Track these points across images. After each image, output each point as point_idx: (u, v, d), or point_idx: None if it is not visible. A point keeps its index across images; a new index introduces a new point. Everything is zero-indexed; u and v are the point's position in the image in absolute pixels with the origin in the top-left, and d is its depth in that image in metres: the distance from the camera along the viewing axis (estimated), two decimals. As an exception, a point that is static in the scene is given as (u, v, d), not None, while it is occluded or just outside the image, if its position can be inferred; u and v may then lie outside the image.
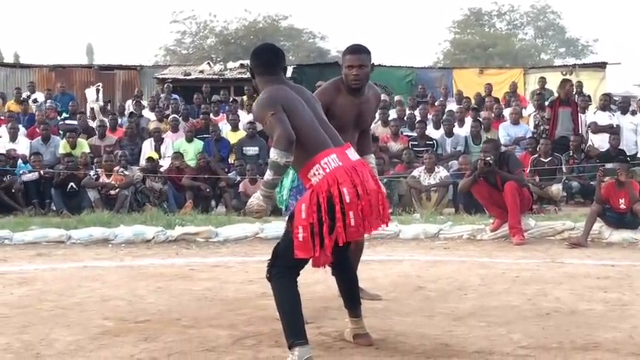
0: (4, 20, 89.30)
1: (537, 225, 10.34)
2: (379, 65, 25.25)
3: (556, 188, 13.44)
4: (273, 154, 4.55)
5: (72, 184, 13.78)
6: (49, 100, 19.42)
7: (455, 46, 55.38)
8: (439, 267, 8.23)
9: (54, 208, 13.66)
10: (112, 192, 13.53)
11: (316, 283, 6.69)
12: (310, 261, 4.68)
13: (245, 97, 19.55)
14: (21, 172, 14.24)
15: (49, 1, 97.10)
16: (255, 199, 4.70)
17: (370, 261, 8.52)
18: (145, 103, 19.47)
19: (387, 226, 5.01)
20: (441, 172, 13.61)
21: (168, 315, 5.96)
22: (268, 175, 4.64)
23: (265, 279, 4.79)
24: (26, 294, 6.87)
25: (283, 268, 4.70)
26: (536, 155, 14.13)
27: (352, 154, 4.82)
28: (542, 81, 20.18)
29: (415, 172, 13.71)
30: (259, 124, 4.83)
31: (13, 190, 13.66)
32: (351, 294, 5.18)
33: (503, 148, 12.69)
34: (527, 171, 13.11)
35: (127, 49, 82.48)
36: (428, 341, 5.11)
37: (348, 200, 4.55)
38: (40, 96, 20.54)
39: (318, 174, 4.61)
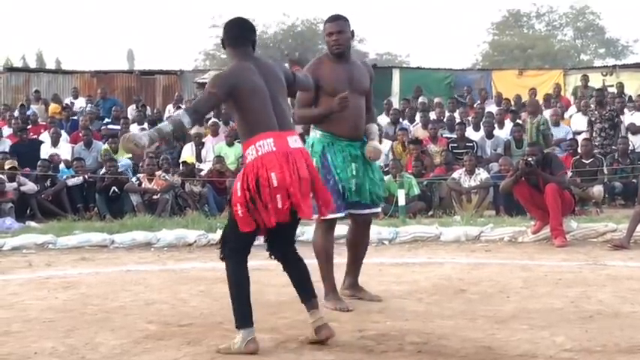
0: (46, 27, 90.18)
1: (579, 227, 10.27)
2: (418, 68, 25.29)
3: (597, 189, 13.32)
4: (183, 114, 4.87)
5: (114, 188, 13.91)
6: (89, 105, 19.63)
7: (494, 47, 55.12)
8: (480, 269, 8.20)
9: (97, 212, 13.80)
10: (155, 196, 13.62)
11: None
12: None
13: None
14: (64, 176, 14.40)
15: (90, 8, 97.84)
16: (142, 135, 4.87)
17: (411, 264, 8.54)
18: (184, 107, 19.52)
19: (324, 214, 5.38)
20: (482, 174, 13.55)
21: (210, 318, 5.99)
22: (168, 127, 4.94)
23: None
24: (70, 298, 6.94)
25: (233, 250, 5.06)
26: (578, 157, 14.05)
27: (294, 141, 5.04)
28: (585, 79, 20.08)
29: (455, 174, 13.68)
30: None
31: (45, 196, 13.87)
32: (304, 286, 5.27)
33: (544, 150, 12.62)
34: (570, 173, 13.02)
35: (167, 54, 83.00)
36: (470, 344, 5.10)
37: (275, 184, 4.82)
38: (81, 101, 20.76)
39: (252, 154, 4.90)
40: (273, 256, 5.31)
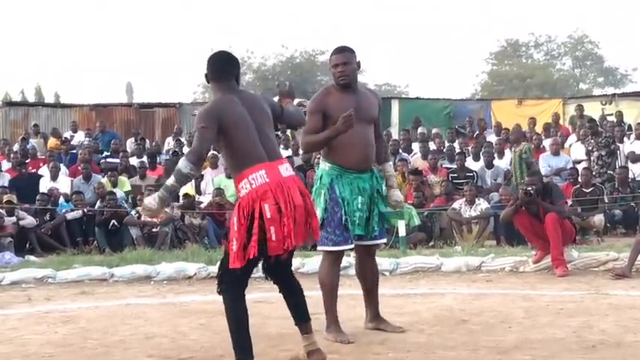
0: (45, 61, 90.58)
1: (580, 256, 10.23)
2: (417, 98, 25.30)
3: (598, 219, 13.30)
4: (182, 163, 4.87)
5: (114, 221, 13.90)
6: (87, 139, 19.63)
7: (492, 77, 55.22)
8: (482, 300, 8.16)
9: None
10: (154, 229, 13.59)
11: (359, 318, 6.65)
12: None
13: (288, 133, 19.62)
14: (63, 210, 14.39)
15: (88, 42, 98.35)
16: (152, 199, 4.96)
17: (412, 294, 8.50)
18: (184, 140, 19.60)
19: (311, 240, 5.37)
20: (482, 204, 13.53)
21: (211, 352, 5.96)
22: (171, 180, 4.92)
23: None
24: (70, 332, 6.90)
25: (229, 284, 5.03)
26: (578, 186, 14.04)
27: (285, 169, 5.05)
28: (580, 108, 20.14)
29: (456, 205, 13.66)
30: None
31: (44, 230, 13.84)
32: (300, 310, 5.32)
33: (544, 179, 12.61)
34: (570, 202, 12.99)
35: (165, 86, 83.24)
36: (473, 376, 5.07)
37: (269, 216, 4.81)
38: (80, 135, 20.78)
39: (246, 188, 4.89)
40: (268, 278, 5.32)
